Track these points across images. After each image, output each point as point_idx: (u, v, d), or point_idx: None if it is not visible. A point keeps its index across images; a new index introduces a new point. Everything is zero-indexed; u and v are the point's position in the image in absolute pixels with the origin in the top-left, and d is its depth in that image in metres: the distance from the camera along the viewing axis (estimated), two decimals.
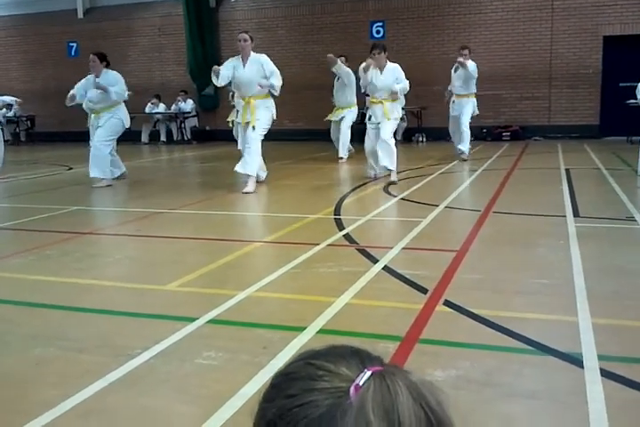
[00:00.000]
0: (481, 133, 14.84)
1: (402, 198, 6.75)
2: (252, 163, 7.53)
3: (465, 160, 10.19)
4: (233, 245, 4.78)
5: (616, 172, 8.25)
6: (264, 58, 7.80)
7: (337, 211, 6.07)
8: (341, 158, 10.72)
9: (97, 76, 8.27)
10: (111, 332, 3.03)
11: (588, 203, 6.22)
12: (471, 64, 10.25)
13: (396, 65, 7.99)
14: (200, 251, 4.74)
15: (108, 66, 8.43)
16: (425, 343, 2.75)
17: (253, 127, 7.56)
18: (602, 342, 2.67)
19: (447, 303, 3.22)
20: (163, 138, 17.19)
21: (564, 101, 14.60)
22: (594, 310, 3.06)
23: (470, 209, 6.03)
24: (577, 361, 2.52)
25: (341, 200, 6.68)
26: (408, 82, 7.95)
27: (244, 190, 7.33)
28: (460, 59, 10.11)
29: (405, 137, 15.19)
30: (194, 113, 17.01)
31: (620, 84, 12.85)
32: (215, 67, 7.51)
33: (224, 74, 7.50)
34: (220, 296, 3.43)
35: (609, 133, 13.92)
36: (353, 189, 7.51)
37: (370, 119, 8.13)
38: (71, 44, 18.46)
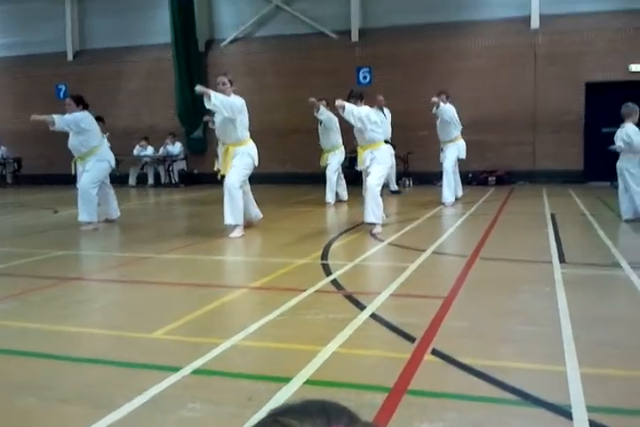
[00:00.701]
0: (467, 178, 14.97)
1: (389, 243, 6.76)
2: (234, 212, 7.40)
3: (448, 206, 10.26)
4: (219, 291, 4.75)
5: (601, 217, 8.32)
6: (234, 101, 7.49)
7: (324, 256, 6.06)
8: (329, 203, 10.78)
9: None
10: (95, 382, 2.98)
11: (573, 248, 6.26)
12: (446, 108, 10.49)
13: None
14: (186, 297, 4.70)
15: (85, 108, 8.46)
16: (413, 394, 2.72)
17: (222, 177, 7.56)
18: (590, 393, 2.66)
19: (435, 352, 3.20)
20: (150, 181, 17.21)
21: (549, 147, 14.81)
22: (581, 359, 3.05)
23: (457, 254, 6.04)
24: (565, 413, 2.50)
25: (329, 245, 6.68)
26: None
27: (231, 235, 7.33)
28: (435, 98, 10.27)
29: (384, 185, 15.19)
30: (182, 156, 17.09)
31: (603, 130, 13.08)
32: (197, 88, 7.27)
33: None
34: (206, 345, 3.39)
35: (593, 178, 14.10)
36: (340, 234, 7.52)
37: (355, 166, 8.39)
38: (60, 87, 18.61)
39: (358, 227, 7.93)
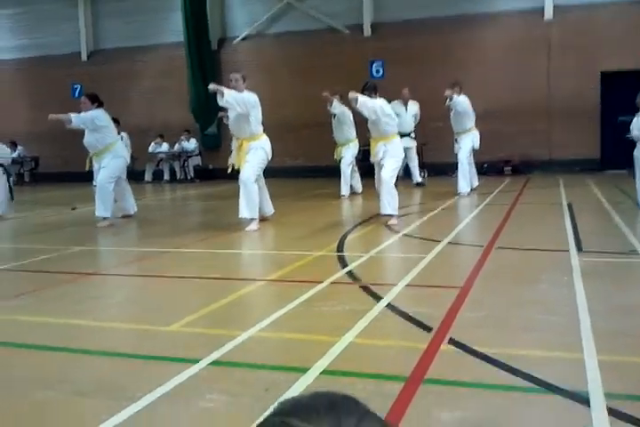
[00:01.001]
0: (482, 168, 14.89)
1: (405, 234, 6.75)
2: (250, 205, 7.46)
3: (464, 196, 10.23)
4: (235, 284, 4.77)
5: (618, 205, 8.25)
6: (248, 97, 7.55)
7: (340, 248, 6.06)
8: (343, 195, 10.78)
9: None
10: (113, 374, 3.00)
11: (590, 237, 6.21)
12: (460, 100, 10.45)
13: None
14: (203, 290, 4.72)
15: (100, 106, 8.54)
16: (430, 383, 2.72)
17: (237, 171, 7.63)
18: (608, 380, 2.64)
19: (452, 342, 3.19)
20: (166, 177, 17.30)
21: (564, 135, 14.70)
22: (599, 348, 3.03)
23: (473, 244, 6.02)
24: (583, 400, 2.49)
25: (344, 237, 6.67)
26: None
27: (248, 228, 7.36)
28: (448, 91, 10.28)
29: (407, 173, 15.25)
30: (197, 152, 17.16)
31: (619, 119, 12.94)
32: (211, 86, 7.29)
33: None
34: (223, 337, 3.41)
35: (610, 166, 13.97)
36: (355, 226, 7.51)
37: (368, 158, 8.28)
38: (75, 86, 18.72)
39: (373, 219, 7.92)
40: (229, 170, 7.79)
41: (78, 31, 18.92)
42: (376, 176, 7.96)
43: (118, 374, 2.99)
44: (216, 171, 17.16)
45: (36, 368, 3.12)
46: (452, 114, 10.89)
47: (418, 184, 12.56)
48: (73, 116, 8.33)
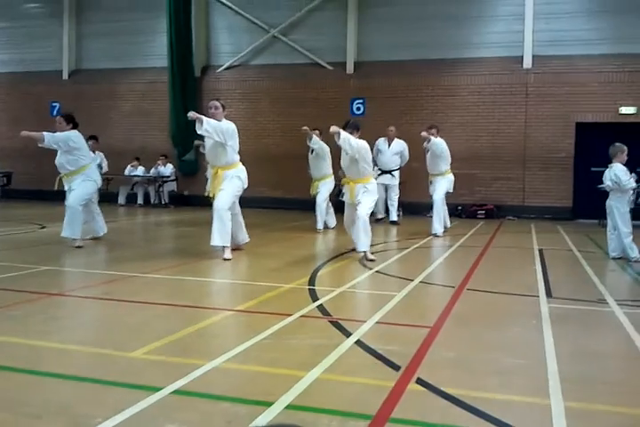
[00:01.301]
0: (456, 211, 15.03)
1: (377, 271, 6.74)
2: (222, 233, 7.44)
3: (437, 236, 10.28)
4: (204, 313, 4.70)
5: (588, 254, 8.37)
6: (226, 126, 7.52)
7: (312, 281, 6.03)
8: (319, 230, 10.78)
9: None
10: (72, 398, 2.92)
11: (560, 283, 6.27)
12: (438, 142, 10.59)
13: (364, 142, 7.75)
14: (170, 317, 4.64)
15: (75, 127, 8.44)
16: (395, 422, 2.68)
17: (212, 197, 7.60)
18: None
19: (419, 382, 3.17)
20: (140, 201, 17.17)
21: (538, 183, 14.93)
22: (566, 394, 3.02)
23: (444, 285, 6.02)
24: None
25: (316, 271, 6.65)
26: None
27: (225, 256, 7.35)
28: (424, 133, 10.37)
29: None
30: (173, 177, 17.09)
31: (592, 169, 13.20)
32: (191, 114, 7.20)
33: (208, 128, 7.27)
34: (187, 366, 3.34)
35: (582, 216, 14.19)
36: (329, 260, 7.50)
37: (343, 197, 8.09)
38: (54, 104, 18.64)
39: (346, 254, 7.92)
40: (210, 195, 7.74)
41: (61, 49, 18.90)
42: (346, 216, 7.96)
43: (78, 399, 2.91)
44: (191, 197, 17.10)
45: None
46: (428, 155, 11.02)
47: (393, 222, 12.61)
48: (46, 134, 8.19)
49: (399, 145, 12.98)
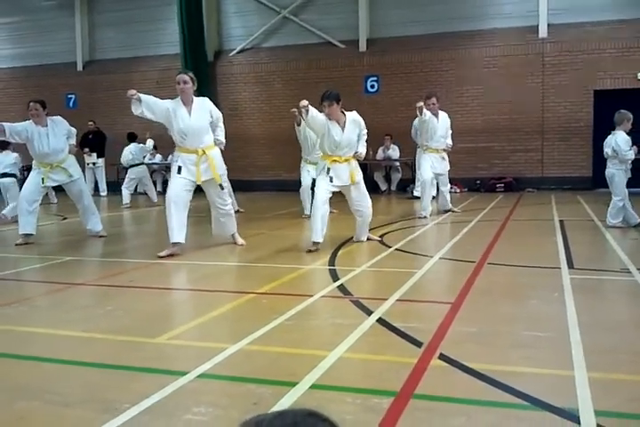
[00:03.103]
0: (475, 184, 14.97)
1: (396, 249, 6.75)
2: (232, 223, 7.26)
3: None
4: (226, 297, 4.74)
5: None
6: (209, 102, 6.96)
7: (332, 261, 6.05)
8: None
9: (43, 125, 7.88)
10: (99, 386, 2.97)
11: (582, 254, 6.23)
12: (428, 115, 9.61)
13: (357, 115, 6.92)
14: (192, 302, 4.70)
15: (47, 114, 8.06)
16: (419, 399, 2.69)
17: (221, 186, 6.96)
18: (598, 397, 2.63)
19: (442, 357, 3.18)
20: (159, 188, 17.27)
21: (557, 154, 14.80)
22: (589, 364, 3.02)
23: (465, 260, 6.01)
24: (573, 417, 2.47)
25: (336, 251, 6.66)
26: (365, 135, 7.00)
27: (240, 242, 7.29)
28: (420, 103, 9.35)
29: (400, 188, 15.32)
30: None
31: None
32: (133, 91, 6.52)
33: (151, 106, 6.59)
34: (211, 350, 3.38)
35: (602, 185, 14.00)
36: (348, 240, 7.50)
37: (332, 181, 6.85)
38: (70, 96, 18.75)
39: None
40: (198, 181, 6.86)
41: (74, 41, 18.97)
42: (319, 201, 6.79)
43: (105, 386, 2.96)
44: None
45: (23, 378, 3.09)
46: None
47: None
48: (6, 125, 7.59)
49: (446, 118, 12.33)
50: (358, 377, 2.99)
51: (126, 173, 14.16)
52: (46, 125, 7.88)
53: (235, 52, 17.50)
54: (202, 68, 17.21)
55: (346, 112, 6.84)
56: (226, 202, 7.12)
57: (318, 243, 6.69)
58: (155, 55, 18.17)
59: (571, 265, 5.54)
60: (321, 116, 6.67)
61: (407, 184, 14.94)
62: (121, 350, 3.52)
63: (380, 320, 3.88)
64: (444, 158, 10.01)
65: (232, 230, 7.30)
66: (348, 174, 6.86)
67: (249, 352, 3.38)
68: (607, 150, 7.98)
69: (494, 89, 15.15)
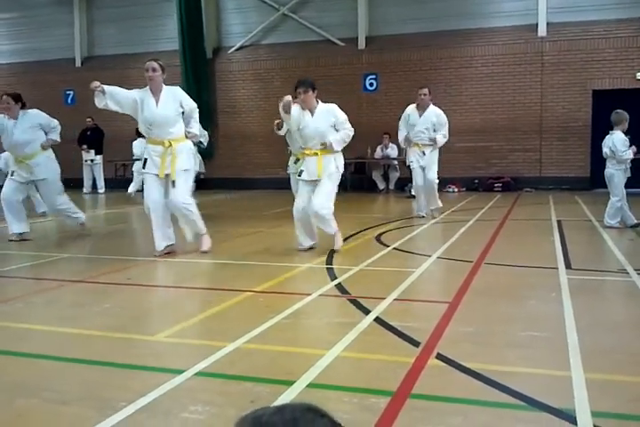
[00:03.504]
0: (473, 184, 14.97)
1: (394, 248, 6.75)
2: (196, 223, 6.57)
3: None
4: (223, 295, 4.74)
5: None
6: (180, 92, 6.56)
7: (329, 260, 6.05)
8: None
9: (14, 118, 7.60)
10: (96, 383, 2.96)
11: (579, 255, 6.23)
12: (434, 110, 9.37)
13: (333, 106, 6.40)
14: (190, 300, 4.69)
15: (23, 107, 7.80)
16: (416, 398, 2.70)
17: (173, 183, 6.29)
18: (595, 398, 2.63)
19: (439, 357, 3.18)
20: None
21: (555, 154, 14.81)
22: (586, 365, 3.02)
23: (462, 260, 6.01)
24: (570, 418, 2.47)
25: (334, 249, 6.65)
26: (349, 129, 6.38)
27: (203, 249, 6.59)
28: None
29: (398, 187, 15.33)
30: None
31: None
32: (97, 83, 6.13)
33: (116, 97, 6.24)
34: (209, 348, 3.38)
35: (600, 185, 14.01)
36: (345, 239, 7.49)
37: (301, 174, 6.47)
38: (68, 92, 18.72)
39: (363, 232, 7.92)
40: (161, 175, 6.35)
41: (73, 37, 18.94)
42: (302, 199, 6.46)
43: (102, 384, 2.96)
44: (207, 180, 17.14)
45: (21, 376, 3.08)
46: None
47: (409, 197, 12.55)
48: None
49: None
50: (355, 376, 2.99)
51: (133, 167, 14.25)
52: (17, 118, 7.65)
53: (234, 49, 17.48)
54: (200, 64, 17.21)
55: (322, 103, 6.39)
56: (187, 200, 6.45)
57: (306, 248, 6.46)
58: (153, 52, 18.12)
59: (568, 265, 5.54)
60: (295, 110, 6.24)
61: (405, 183, 14.92)
62: (118, 348, 3.52)
63: (377, 319, 3.88)
64: (424, 153, 9.33)
65: (201, 231, 6.67)
66: (317, 168, 6.32)
67: (246, 351, 3.38)
68: (605, 150, 8.00)
69: (493, 88, 15.15)
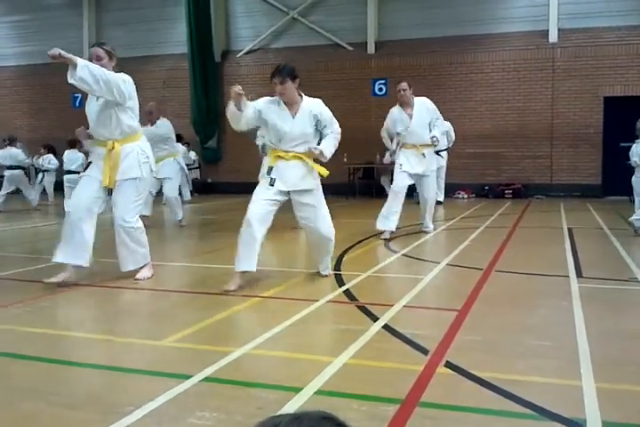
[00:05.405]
0: (483, 190, 14.92)
1: (403, 254, 6.72)
2: (137, 252, 5.52)
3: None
4: (230, 300, 4.72)
5: (619, 232, 8.24)
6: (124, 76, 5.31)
7: (337, 266, 6.02)
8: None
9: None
10: (104, 388, 2.95)
11: (590, 263, 6.18)
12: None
13: (319, 100, 5.31)
14: (197, 305, 4.67)
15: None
16: (425, 407, 2.67)
17: (110, 191, 5.30)
18: (606, 408, 2.60)
19: (448, 365, 3.15)
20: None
21: (566, 161, 14.74)
22: (597, 375, 2.99)
23: (472, 267, 5.97)
24: None
25: (342, 255, 6.63)
26: (337, 131, 5.21)
27: (137, 276, 5.50)
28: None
29: (406, 192, 15.28)
30: (196, 165, 17.16)
31: (621, 145, 12.97)
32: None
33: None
34: (216, 353, 3.36)
35: (611, 193, 13.98)
36: (354, 244, 7.47)
37: (273, 184, 5.10)
38: (76, 96, 18.78)
39: (372, 238, 7.89)
40: (105, 183, 5.33)
41: (82, 40, 19.02)
42: (263, 211, 5.13)
43: (109, 388, 2.94)
44: (215, 185, 17.18)
45: (28, 379, 3.07)
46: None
47: (438, 202, 12.62)
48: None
49: (444, 126, 12.60)
50: (363, 384, 2.97)
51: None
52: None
53: (242, 52, 17.51)
54: (209, 68, 17.25)
55: (307, 97, 5.29)
56: (130, 215, 5.35)
57: (244, 272, 5.07)
58: (162, 55, 18.20)
59: (579, 274, 5.50)
60: (251, 107, 5.07)
61: (414, 189, 14.90)
62: (125, 353, 3.51)
63: (385, 327, 3.86)
64: (424, 155, 8.12)
65: (139, 261, 5.57)
66: (298, 177, 5.15)
67: (254, 356, 3.36)
68: (635, 159, 7.96)
69: (503, 94, 15.11)
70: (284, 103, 5.13)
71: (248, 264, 5.00)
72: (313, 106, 5.20)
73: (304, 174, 5.16)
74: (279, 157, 5.13)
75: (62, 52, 5.02)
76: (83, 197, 5.20)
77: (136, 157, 5.30)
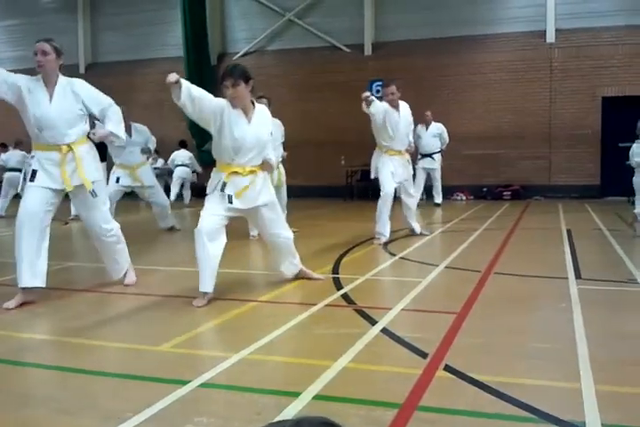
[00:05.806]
0: (481, 192, 14.91)
1: (401, 257, 6.70)
2: (122, 256, 5.42)
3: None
4: (228, 305, 4.70)
5: (618, 233, 8.24)
6: (81, 85, 5.26)
7: (335, 269, 6.01)
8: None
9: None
10: (101, 394, 2.94)
11: (589, 264, 6.17)
12: (377, 105, 7.72)
13: (264, 106, 5.11)
14: (194, 310, 4.65)
15: None
16: (424, 411, 2.65)
17: (93, 192, 4.98)
18: (605, 410, 2.59)
19: (447, 368, 3.14)
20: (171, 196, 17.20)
21: (565, 161, 14.75)
22: (596, 377, 2.97)
23: (471, 269, 5.96)
24: None
25: (340, 258, 6.62)
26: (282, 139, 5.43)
27: (127, 282, 5.46)
28: (367, 93, 7.59)
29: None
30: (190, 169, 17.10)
31: (619, 145, 12.98)
32: None
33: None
34: (214, 358, 3.35)
35: (610, 193, 13.99)
36: (352, 247, 7.46)
37: (232, 202, 4.76)
38: None
39: (369, 240, 7.87)
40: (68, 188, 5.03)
41: (77, 43, 19.00)
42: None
43: (106, 394, 2.93)
44: None
45: (26, 386, 3.06)
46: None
47: (437, 204, 12.81)
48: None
49: (437, 128, 12.86)
50: (362, 388, 2.95)
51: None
52: None
53: (238, 55, 17.51)
54: (205, 71, 17.24)
55: (257, 102, 5.02)
56: (105, 220, 5.20)
57: (206, 293, 4.72)
58: (157, 58, 18.19)
59: (578, 275, 5.49)
60: (210, 97, 4.84)
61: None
62: (122, 358, 3.49)
63: (384, 330, 3.84)
64: (409, 162, 8.16)
65: (124, 267, 5.46)
66: (256, 192, 4.82)
67: (251, 361, 3.34)
68: (636, 160, 7.96)
69: (501, 95, 15.11)
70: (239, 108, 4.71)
71: (210, 285, 4.73)
72: (267, 113, 5.04)
73: (261, 188, 4.84)
74: (235, 172, 4.74)
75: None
76: (32, 211, 4.87)
77: (93, 159, 5.07)
